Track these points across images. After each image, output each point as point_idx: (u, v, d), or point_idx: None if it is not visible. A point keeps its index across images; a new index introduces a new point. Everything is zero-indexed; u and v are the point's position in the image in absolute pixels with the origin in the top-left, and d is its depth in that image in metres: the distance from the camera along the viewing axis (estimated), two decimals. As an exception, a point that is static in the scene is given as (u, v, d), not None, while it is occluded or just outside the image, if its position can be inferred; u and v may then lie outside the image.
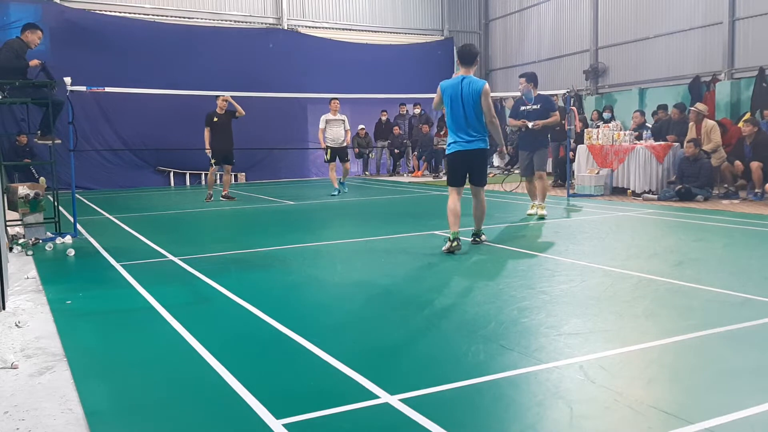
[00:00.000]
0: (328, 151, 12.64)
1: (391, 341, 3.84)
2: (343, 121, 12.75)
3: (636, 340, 3.70)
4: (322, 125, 12.67)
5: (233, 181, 14.47)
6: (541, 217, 8.63)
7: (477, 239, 6.80)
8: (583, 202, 10.61)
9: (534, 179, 8.80)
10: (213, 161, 12.06)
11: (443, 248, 6.39)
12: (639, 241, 6.96)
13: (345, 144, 12.78)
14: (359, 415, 2.81)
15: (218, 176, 13.13)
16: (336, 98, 12.90)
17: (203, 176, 16.25)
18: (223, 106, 11.85)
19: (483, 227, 6.89)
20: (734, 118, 12.84)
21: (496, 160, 19.50)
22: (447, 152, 6.68)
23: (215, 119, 11.83)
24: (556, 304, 4.48)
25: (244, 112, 11.94)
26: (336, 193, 12.64)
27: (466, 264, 5.97)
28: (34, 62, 7.68)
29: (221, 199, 11.91)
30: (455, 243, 6.32)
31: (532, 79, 8.81)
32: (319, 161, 16.95)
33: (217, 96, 12.00)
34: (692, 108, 11.40)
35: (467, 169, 6.59)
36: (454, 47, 20.76)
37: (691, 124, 11.21)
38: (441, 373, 3.27)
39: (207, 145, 11.92)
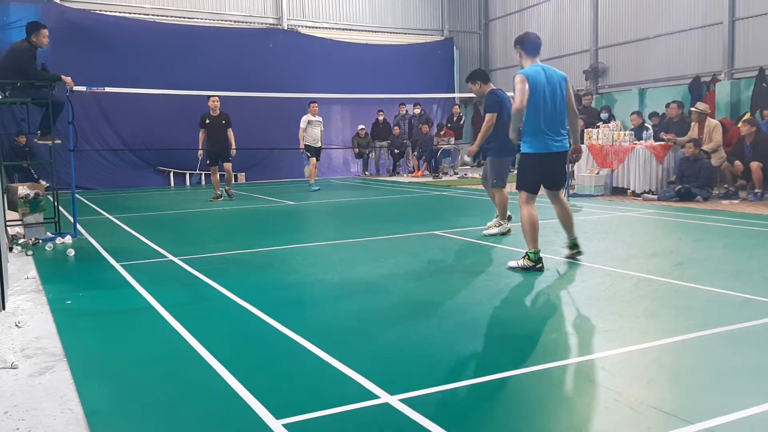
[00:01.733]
0: (308, 151, 13.42)
1: (390, 341, 3.84)
2: (321, 122, 13.47)
3: (636, 340, 3.70)
4: (303, 125, 13.32)
5: (233, 181, 14.55)
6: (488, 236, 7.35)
7: (579, 251, 5.81)
8: (583, 202, 10.61)
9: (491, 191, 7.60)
10: (208, 162, 12.21)
11: (515, 265, 5.49)
12: (639, 241, 6.95)
13: (320, 145, 13.56)
14: (359, 415, 2.81)
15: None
16: (315, 101, 13.52)
17: (203, 176, 16.26)
18: (215, 107, 11.82)
19: (479, 227, 6.85)
20: (734, 118, 12.84)
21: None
22: (529, 151, 5.50)
23: (207, 120, 11.84)
24: (556, 304, 4.48)
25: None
26: (317, 188, 13.39)
27: (465, 264, 5.97)
28: (69, 81, 7.71)
29: (216, 191, 12.06)
30: (541, 265, 5.39)
31: (477, 77, 7.50)
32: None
33: (209, 96, 11.99)
34: (693, 108, 11.39)
35: (550, 173, 5.66)
36: (454, 47, 20.79)
37: (693, 123, 11.21)
38: (441, 373, 3.27)
39: (200, 146, 12.05)
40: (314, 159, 13.54)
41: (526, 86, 5.35)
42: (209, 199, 12.04)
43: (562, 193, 5.85)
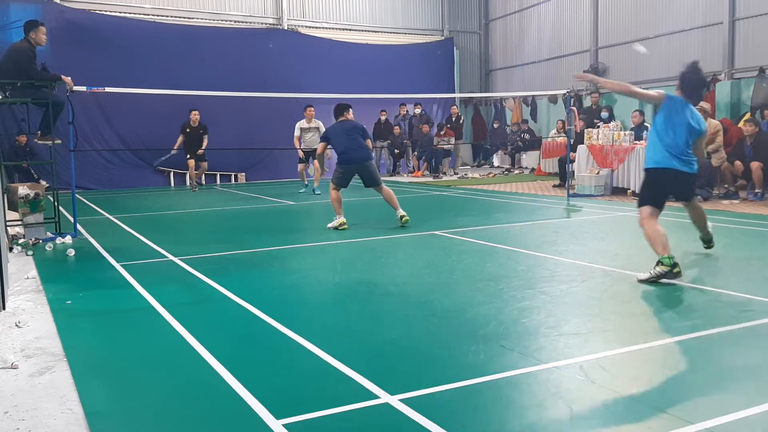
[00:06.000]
0: (302, 154, 13.58)
1: (391, 341, 3.84)
2: (318, 128, 13.30)
3: (636, 340, 3.70)
4: (297, 133, 13.39)
5: (203, 174, 15.59)
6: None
7: (711, 244, 6.07)
8: (583, 202, 10.61)
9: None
10: (188, 156, 14.25)
11: (646, 276, 5.06)
12: (639, 241, 6.92)
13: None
14: (359, 415, 2.81)
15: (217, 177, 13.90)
16: (311, 105, 13.49)
17: (202, 177, 16.25)
18: (196, 119, 13.95)
19: (479, 227, 6.85)
20: (734, 118, 12.83)
21: (496, 160, 19.53)
22: (652, 165, 5.51)
23: (188, 129, 14.04)
24: (556, 304, 4.48)
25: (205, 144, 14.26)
26: (303, 190, 13.36)
27: (465, 264, 5.96)
28: (69, 81, 7.73)
29: (191, 182, 14.49)
30: (678, 270, 5.04)
31: (335, 110, 8.79)
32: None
33: (191, 110, 14.02)
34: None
35: (676, 189, 5.73)
36: (454, 47, 20.78)
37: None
38: (441, 373, 3.27)
39: (176, 146, 14.18)
40: (304, 164, 13.58)
41: (659, 97, 5.62)
42: (191, 189, 14.30)
43: (695, 200, 6.03)
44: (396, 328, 4.09)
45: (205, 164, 14.67)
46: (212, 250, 6.85)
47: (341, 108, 8.66)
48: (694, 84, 5.74)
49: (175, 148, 14.17)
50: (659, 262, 5.03)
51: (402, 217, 8.12)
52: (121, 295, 5.05)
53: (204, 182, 15.82)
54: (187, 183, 15.96)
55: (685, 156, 5.45)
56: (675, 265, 5.02)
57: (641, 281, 5.03)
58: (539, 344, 3.66)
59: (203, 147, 14.28)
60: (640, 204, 5.58)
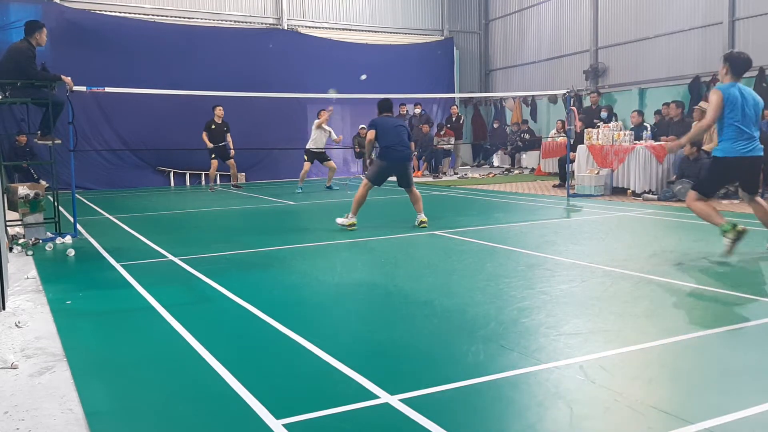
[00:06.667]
0: (306, 155, 13.78)
1: (391, 341, 3.84)
2: (330, 132, 13.91)
3: (636, 340, 3.70)
4: (314, 136, 13.67)
5: (237, 175, 15.70)
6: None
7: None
8: (583, 202, 10.61)
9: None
10: (212, 156, 14.25)
11: (728, 248, 5.70)
12: (639, 241, 6.95)
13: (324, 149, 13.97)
14: (359, 415, 2.81)
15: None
16: (330, 108, 14.02)
17: (203, 176, 16.29)
18: (220, 115, 14.13)
19: (479, 227, 6.86)
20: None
21: (496, 160, 19.53)
22: (738, 153, 5.81)
23: (213, 126, 14.15)
24: (556, 304, 4.48)
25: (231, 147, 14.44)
26: (300, 191, 13.43)
27: (465, 264, 5.97)
28: (68, 81, 7.73)
29: (231, 188, 14.53)
30: (741, 228, 5.65)
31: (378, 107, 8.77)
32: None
33: (214, 106, 14.06)
34: (696, 107, 11.38)
35: (746, 177, 6.03)
36: (454, 47, 20.79)
37: (695, 123, 11.19)
38: (441, 373, 3.27)
39: (208, 144, 14.08)
40: (309, 164, 13.78)
41: (720, 101, 5.83)
42: (209, 189, 14.49)
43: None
44: (396, 328, 4.09)
45: (231, 162, 14.57)
46: (212, 250, 6.85)
47: (389, 104, 8.61)
48: (743, 62, 6.16)
49: (209, 146, 14.01)
50: (724, 232, 5.73)
51: (421, 222, 8.06)
52: (121, 295, 5.05)
53: (240, 182, 15.70)
54: (203, 183, 16.09)
55: (757, 138, 5.88)
56: (734, 225, 5.68)
57: (726, 253, 5.73)
58: (539, 344, 3.66)
59: (232, 148, 14.31)
60: (698, 189, 6.13)
